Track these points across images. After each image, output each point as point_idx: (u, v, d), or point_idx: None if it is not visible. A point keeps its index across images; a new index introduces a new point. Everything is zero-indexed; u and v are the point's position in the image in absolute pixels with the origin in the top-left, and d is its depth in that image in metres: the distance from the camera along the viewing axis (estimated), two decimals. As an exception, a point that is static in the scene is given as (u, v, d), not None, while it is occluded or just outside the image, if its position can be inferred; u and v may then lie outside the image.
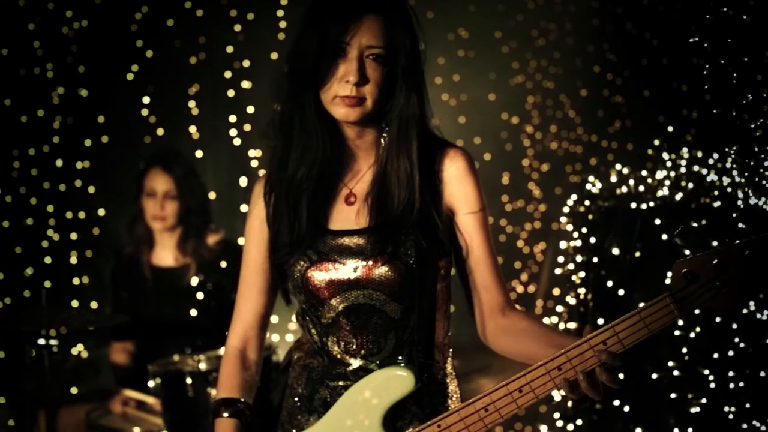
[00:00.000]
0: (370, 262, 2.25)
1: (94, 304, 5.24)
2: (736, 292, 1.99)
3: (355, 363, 2.31)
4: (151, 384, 4.03)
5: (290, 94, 2.28)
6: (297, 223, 2.30)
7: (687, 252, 3.79)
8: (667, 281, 3.53)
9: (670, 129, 4.61)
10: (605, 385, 2.07)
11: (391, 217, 2.27)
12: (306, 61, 2.22)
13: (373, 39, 2.21)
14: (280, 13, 5.60)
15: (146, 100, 5.55)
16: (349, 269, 2.27)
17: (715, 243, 3.83)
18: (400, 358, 2.29)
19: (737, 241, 1.98)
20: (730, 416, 3.88)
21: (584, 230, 4.18)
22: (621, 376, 2.11)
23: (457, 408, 2.15)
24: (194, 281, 4.55)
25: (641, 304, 2.06)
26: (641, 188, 4.12)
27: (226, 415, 2.36)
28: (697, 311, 2.03)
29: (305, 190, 2.30)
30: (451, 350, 2.40)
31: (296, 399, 2.40)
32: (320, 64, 2.21)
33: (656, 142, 4.31)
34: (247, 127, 5.61)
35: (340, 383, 2.32)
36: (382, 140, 2.31)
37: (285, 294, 2.42)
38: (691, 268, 2.01)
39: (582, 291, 4.16)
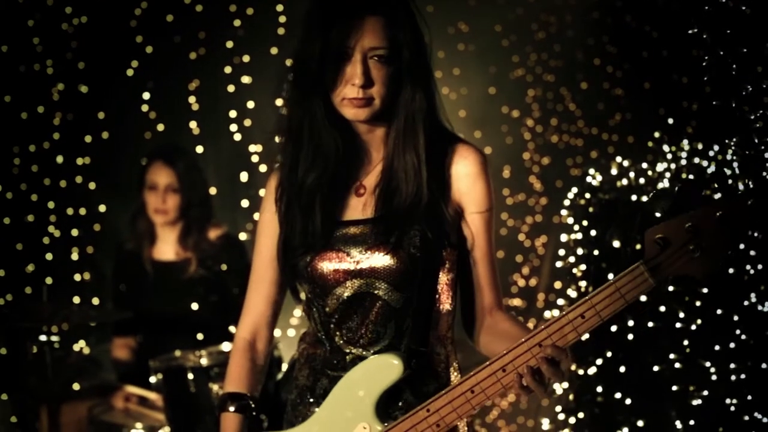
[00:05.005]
0: (374, 252, 2.27)
1: (95, 300, 5.26)
2: (709, 255, 1.96)
3: (356, 352, 2.32)
4: (152, 380, 4.04)
5: (297, 99, 2.29)
6: (311, 226, 2.31)
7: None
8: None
9: (671, 121, 4.61)
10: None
11: (397, 208, 2.28)
12: (311, 67, 2.22)
13: (375, 40, 2.21)
14: (279, 8, 5.60)
15: (146, 95, 5.56)
16: (353, 258, 2.28)
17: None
18: (394, 348, 2.30)
19: (708, 204, 1.95)
20: (732, 408, 3.88)
21: (585, 223, 4.18)
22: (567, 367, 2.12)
23: (444, 391, 2.17)
24: (195, 276, 4.54)
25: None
26: (642, 180, 4.11)
27: (232, 409, 2.37)
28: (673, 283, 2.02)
29: (318, 194, 2.31)
30: (452, 343, 2.40)
31: (300, 390, 2.42)
32: (326, 68, 2.21)
33: (657, 135, 4.30)
34: (248, 122, 5.61)
35: (340, 374, 2.32)
36: (390, 132, 2.32)
37: (294, 291, 2.43)
38: (664, 234, 1.98)
39: (583, 284, 4.16)
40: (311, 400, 2.37)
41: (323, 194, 2.31)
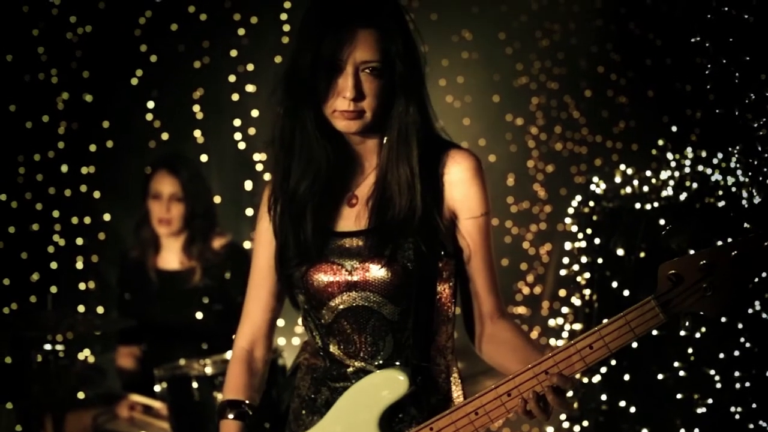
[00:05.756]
0: (368, 264, 2.26)
1: (100, 309, 5.27)
2: (722, 294, 1.95)
3: (355, 364, 2.31)
4: (157, 388, 4.04)
5: (289, 110, 2.28)
6: (303, 236, 2.30)
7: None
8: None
9: (674, 129, 4.61)
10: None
11: (390, 220, 2.27)
12: (302, 78, 2.21)
13: (367, 53, 2.19)
14: (283, 16, 5.61)
15: (151, 104, 5.57)
16: (347, 271, 2.28)
17: (720, 243, 3.82)
18: (397, 363, 2.29)
19: (724, 243, 1.94)
20: (737, 416, 3.88)
21: (589, 231, 4.18)
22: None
23: (448, 411, 2.17)
24: (200, 285, 4.55)
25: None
26: (645, 188, 4.11)
27: (231, 416, 2.38)
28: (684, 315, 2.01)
29: (309, 202, 2.30)
30: (452, 353, 2.39)
31: (301, 399, 2.41)
32: (317, 79, 2.21)
33: (660, 142, 4.30)
34: (252, 131, 5.62)
35: (341, 384, 2.32)
36: (384, 144, 2.31)
37: (293, 300, 2.43)
38: (677, 270, 1.97)
39: (587, 292, 4.16)
40: (312, 410, 2.37)
41: (314, 204, 2.30)
